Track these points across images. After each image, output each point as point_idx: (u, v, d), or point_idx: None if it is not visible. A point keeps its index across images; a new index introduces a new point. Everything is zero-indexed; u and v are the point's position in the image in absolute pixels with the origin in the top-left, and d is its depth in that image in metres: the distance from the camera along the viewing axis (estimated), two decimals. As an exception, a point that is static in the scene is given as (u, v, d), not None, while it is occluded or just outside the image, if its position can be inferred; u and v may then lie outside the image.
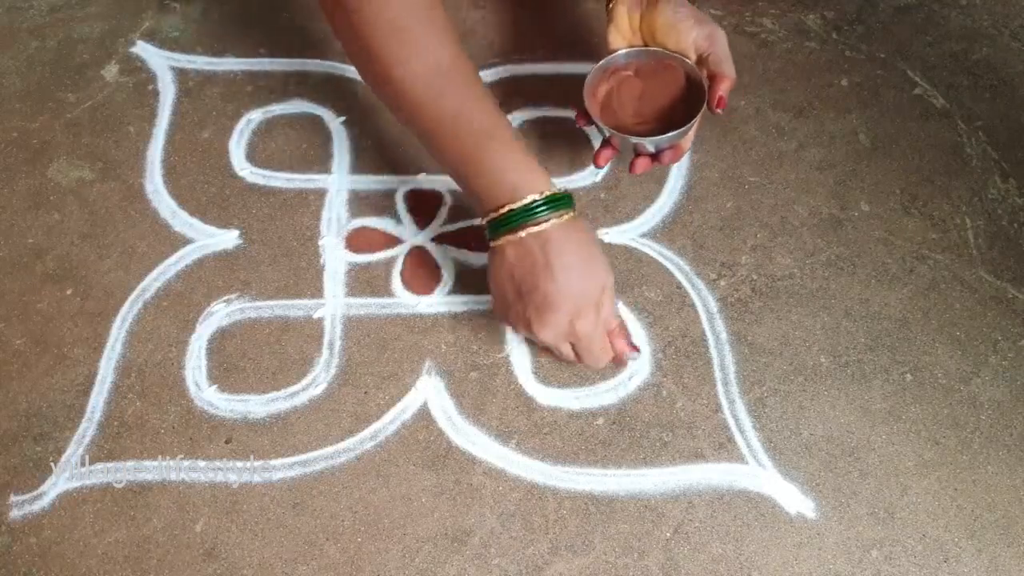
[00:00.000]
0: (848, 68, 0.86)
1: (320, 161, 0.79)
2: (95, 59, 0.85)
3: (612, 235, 0.75)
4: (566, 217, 0.58)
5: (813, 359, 0.69)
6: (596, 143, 0.80)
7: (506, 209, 0.58)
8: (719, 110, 0.65)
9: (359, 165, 0.79)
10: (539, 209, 0.57)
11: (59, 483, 0.63)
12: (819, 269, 0.74)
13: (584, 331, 0.59)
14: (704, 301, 0.72)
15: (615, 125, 0.67)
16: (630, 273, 0.73)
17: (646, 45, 0.69)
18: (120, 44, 0.86)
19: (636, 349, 0.63)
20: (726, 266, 0.74)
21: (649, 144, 0.66)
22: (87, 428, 0.65)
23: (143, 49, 0.86)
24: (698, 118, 0.65)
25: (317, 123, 0.81)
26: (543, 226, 0.57)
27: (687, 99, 0.67)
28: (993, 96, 0.84)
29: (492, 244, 0.60)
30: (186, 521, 0.62)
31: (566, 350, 0.61)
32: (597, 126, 0.67)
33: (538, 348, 0.68)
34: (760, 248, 0.75)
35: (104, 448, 0.64)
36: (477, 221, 0.76)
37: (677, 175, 0.79)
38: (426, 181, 0.78)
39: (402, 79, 0.58)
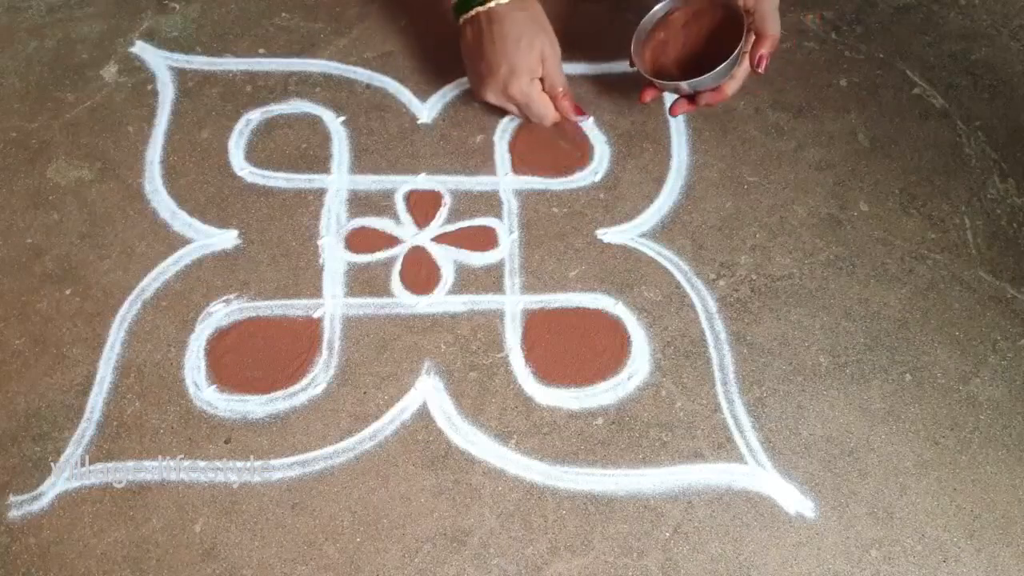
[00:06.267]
0: (847, 68, 0.86)
1: (319, 161, 0.79)
2: (94, 59, 0.85)
3: (611, 235, 0.75)
4: None
5: (812, 359, 0.69)
6: (594, 142, 0.81)
7: None
8: (760, 70, 0.70)
9: (359, 165, 0.79)
10: None
11: (58, 483, 0.63)
12: (818, 269, 0.74)
13: (516, 92, 0.71)
14: (703, 301, 0.72)
15: (657, 68, 0.74)
16: (629, 273, 0.73)
17: None
18: (119, 44, 0.86)
19: (581, 112, 0.75)
20: (725, 266, 0.74)
21: (685, 86, 0.72)
22: (86, 428, 0.65)
23: (142, 49, 0.86)
24: (728, 63, 0.68)
25: (317, 123, 0.81)
26: (490, 4, 0.70)
27: (733, 44, 0.69)
28: (992, 96, 0.84)
29: (459, 26, 0.73)
30: (185, 521, 0.62)
31: (512, 109, 0.74)
32: (641, 73, 0.73)
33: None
34: (759, 248, 0.75)
35: (103, 448, 0.64)
36: (477, 221, 0.76)
37: (676, 175, 0.79)
38: (426, 181, 0.78)
39: None
